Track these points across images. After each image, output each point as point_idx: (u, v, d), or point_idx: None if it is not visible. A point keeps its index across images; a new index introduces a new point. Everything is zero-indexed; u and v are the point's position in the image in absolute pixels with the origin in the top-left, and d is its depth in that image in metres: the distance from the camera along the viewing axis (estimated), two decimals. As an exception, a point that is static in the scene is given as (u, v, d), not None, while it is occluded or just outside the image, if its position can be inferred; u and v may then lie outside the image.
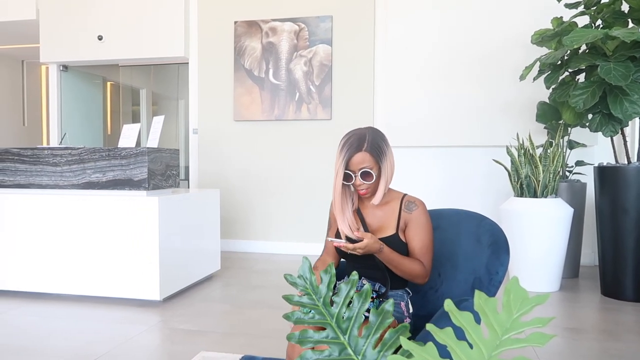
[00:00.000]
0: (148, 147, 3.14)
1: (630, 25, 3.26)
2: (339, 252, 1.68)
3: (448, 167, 4.55)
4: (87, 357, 2.27)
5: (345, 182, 1.60)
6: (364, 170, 1.57)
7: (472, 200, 4.37)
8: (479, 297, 0.72)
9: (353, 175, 1.58)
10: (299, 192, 4.84)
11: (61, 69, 5.61)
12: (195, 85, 5.11)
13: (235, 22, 4.94)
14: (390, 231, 1.61)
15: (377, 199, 1.62)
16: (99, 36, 5.19)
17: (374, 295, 1.59)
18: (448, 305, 0.74)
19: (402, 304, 1.63)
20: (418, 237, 1.59)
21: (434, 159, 4.57)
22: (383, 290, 1.61)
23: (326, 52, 4.75)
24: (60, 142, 4.48)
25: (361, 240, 1.49)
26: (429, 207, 1.93)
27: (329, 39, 4.74)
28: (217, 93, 5.04)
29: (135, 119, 6.91)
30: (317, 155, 4.76)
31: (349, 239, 1.56)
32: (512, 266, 3.52)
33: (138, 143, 3.28)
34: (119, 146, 3.23)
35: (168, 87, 6.92)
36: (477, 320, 0.75)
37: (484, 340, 0.71)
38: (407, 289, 1.69)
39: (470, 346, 0.72)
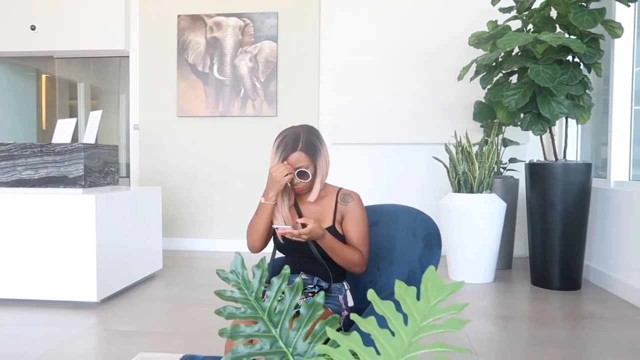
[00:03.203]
0: (84, 143, 3.02)
1: (558, 30, 3.46)
2: (278, 245, 1.69)
3: (392, 164, 4.66)
4: (17, 362, 2.17)
5: None
6: (300, 170, 1.60)
7: (414, 196, 4.49)
8: (399, 286, 0.76)
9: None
10: (243, 189, 4.80)
11: (-11, 59, 5.28)
12: (136, 80, 4.96)
13: (179, 16, 4.83)
14: (327, 224, 1.64)
15: (313, 196, 1.65)
16: (31, 26, 4.92)
17: (316, 290, 1.62)
18: (371, 295, 0.77)
19: (340, 297, 1.66)
20: (355, 228, 1.64)
21: (377, 156, 4.67)
22: (323, 284, 1.63)
23: (271, 49, 4.74)
24: (-11, 137, 4.23)
25: (305, 226, 1.51)
26: (373, 203, 1.98)
27: (274, 35, 4.73)
28: (160, 88, 4.91)
29: (73, 113, 6.60)
30: (262, 152, 4.73)
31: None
32: (450, 259, 3.66)
33: (75, 139, 3.15)
34: (52, 142, 3.09)
35: (108, 81, 6.66)
36: (399, 309, 0.78)
37: (405, 327, 0.75)
38: (345, 283, 1.73)
39: (392, 334, 0.75)
